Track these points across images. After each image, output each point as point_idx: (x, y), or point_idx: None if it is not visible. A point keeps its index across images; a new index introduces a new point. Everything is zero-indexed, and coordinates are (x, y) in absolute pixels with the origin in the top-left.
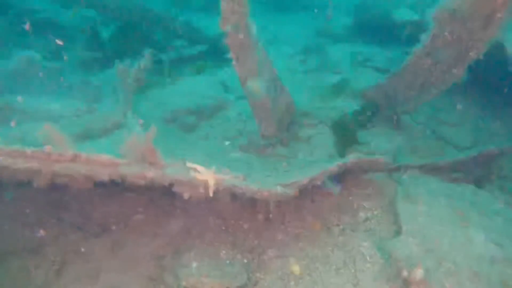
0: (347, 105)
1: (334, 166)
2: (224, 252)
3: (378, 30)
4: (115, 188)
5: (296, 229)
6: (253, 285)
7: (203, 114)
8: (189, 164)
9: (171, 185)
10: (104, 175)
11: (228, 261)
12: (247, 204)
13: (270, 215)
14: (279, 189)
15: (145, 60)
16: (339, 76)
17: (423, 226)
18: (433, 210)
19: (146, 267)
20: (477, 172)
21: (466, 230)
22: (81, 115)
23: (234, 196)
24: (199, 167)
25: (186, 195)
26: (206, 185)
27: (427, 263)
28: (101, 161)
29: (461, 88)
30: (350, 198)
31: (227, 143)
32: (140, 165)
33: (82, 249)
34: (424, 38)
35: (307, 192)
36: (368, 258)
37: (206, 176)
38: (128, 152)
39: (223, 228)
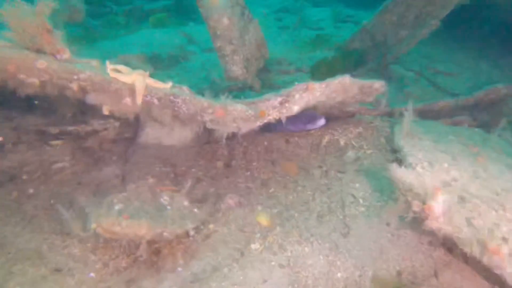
0: (328, 54)
1: (314, 82)
2: (165, 198)
3: None
4: (37, 136)
5: (265, 174)
6: (204, 239)
7: (161, 63)
8: (109, 65)
9: (83, 91)
10: None
11: (168, 207)
12: (204, 151)
13: (233, 162)
14: (239, 107)
15: None
16: (319, 32)
17: (433, 159)
18: (442, 146)
19: (56, 219)
20: (483, 116)
21: (485, 165)
22: None
23: (176, 117)
24: (123, 68)
25: (105, 109)
26: (133, 91)
27: (445, 198)
28: None
29: (457, 39)
30: (335, 136)
31: None
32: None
33: None
34: None
35: (281, 133)
36: (361, 201)
37: (133, 77)
38: (11, 32)
39: (172, 175)
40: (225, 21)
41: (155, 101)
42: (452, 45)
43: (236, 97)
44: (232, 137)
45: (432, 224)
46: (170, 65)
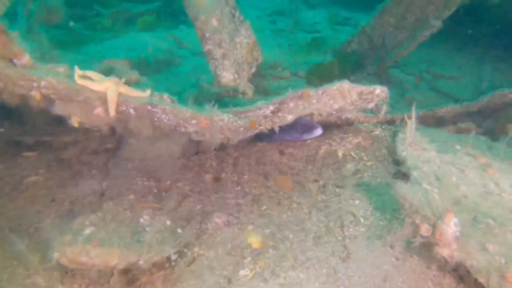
0: (325, 58)
1: (309, 89)
2: (146, 217)
3: None
4: (10, 147)
5: (257, 189)
6: (187, 264)
7: (148, 68)
8: (78, 71)
9: (48, 100)
10: None
11: (148, 228)
12: (192, 163)
13: (222, 174)
14: (226, 117)
15: None
16: (315, 35)
17: (440, 173)
18: (448, 157)
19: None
20: (488, 123)
21: (496, 178)
22: None
23: (157, 128)
24: (94, 74)
25: (74, 121)
26: (105, 100)
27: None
28: None
29: (457, 43)
30: (333, 147)
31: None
32: None
33: None
34: None
35: (274, 143)
36: (362, 220)
37: (105, 85)
38: None
39: (155, 191)
40: (214, 22)
41: (131, 111)
42: (452, 48)
43: (225, 104)
44: (222, 147)
45: (443, 251)
46: (158, 70)
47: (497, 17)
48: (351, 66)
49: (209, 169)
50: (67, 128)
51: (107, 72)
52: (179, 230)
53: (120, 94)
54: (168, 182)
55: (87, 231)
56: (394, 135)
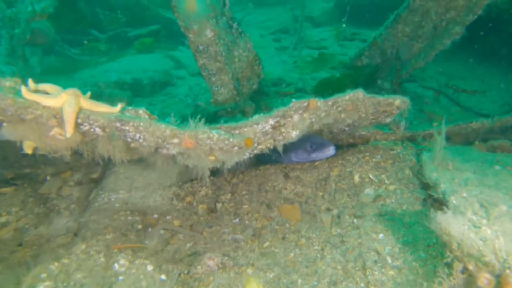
0: (335, 74)
1: (317, 99)
2: (122, 262)
3: (366, 10)
4: None
5: (258, 221)
6: None
7: (142, 90)
8: (32, 83)
9: None
10: None
11: (121, 277)
12: (184, 192)
13: (217, 205)
14: (216, 133)
15: (46, 2)
16: (322, 50)
17: (484, 198)
18: (490, 179)
19: None
20: None
21: None
22: None
23: (134, 151)
24: (51, 87)
25: (27, 146)
26: (61, 119)
27: None
28: None
29: (477, 55)
30: (348, 168)
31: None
32: None
33: None
34: None
35: (278, 166)
36: (389, 260)
37: (61, 99)
38: None
39: (139, 227)
40: (209, 33)
41: (97, 130)
42: (472, 60)
43: (222, 123)
44: (219, 172)
45: None
46: (153, 91)
47: None
48: (362, 80)
49: (204, 198)
50: (49, 158)
51: (98, 96)
52: (163, 277)
53: (81, 110)
54: (156, 216)
55: (41, 286)
56: (419, 153)
